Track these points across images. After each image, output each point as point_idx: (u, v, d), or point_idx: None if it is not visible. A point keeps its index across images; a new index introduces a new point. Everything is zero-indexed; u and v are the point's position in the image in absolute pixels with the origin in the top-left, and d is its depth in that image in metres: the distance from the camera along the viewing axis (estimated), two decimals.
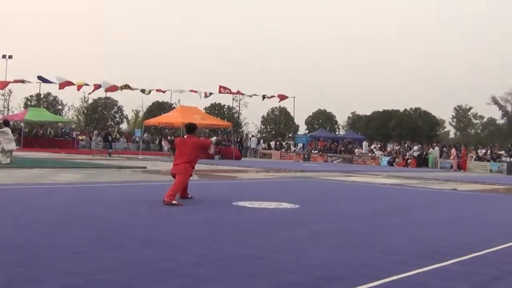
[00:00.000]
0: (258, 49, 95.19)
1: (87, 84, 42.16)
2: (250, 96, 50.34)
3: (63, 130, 41.44)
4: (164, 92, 45.36)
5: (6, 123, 17.97)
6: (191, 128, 9.30)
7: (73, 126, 49.45)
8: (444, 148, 35.25)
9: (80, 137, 41.23)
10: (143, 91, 44.45)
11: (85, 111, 61.61)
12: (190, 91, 44.46)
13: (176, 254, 4.69)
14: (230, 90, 47.03)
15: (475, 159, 32.55)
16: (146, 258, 4.50)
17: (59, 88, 41.17)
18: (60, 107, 62.13)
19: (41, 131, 39.33)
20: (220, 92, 46.41)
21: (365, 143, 39.45)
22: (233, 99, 57.75)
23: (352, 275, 4.25)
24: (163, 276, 3.97)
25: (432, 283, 4.15)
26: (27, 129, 38.48)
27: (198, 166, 21.33)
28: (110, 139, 31.53)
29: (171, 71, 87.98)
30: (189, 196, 8.94)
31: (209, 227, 6.37)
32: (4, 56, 50.64)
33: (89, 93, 48.44)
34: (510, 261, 5.10)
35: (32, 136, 37.61)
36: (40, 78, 41.50)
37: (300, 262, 4.61)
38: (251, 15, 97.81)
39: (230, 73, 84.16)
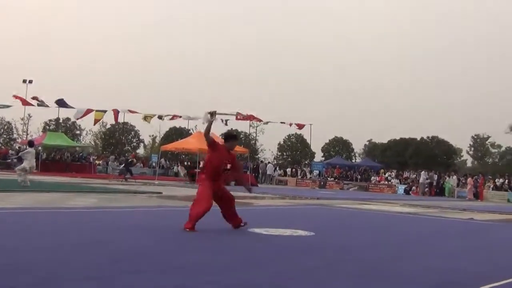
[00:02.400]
0: (274, 74, 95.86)
1: (105, 111, 42.55)
2: (266, 123, 50.19)
3: (81, 154, 41.89)
4: (179, 117, 45.23)
5: (30, 144, 19.45)
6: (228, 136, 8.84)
7: (91, 151, 49.98)
8: (462, 178, 34.90)
9: (97, 162, 41.60)
10: (160, 117, 44.59)
11: (103, 135, 62.30)
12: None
13: (189, 280, 4.69)
14: (246, 116, 46.86)
15: (492, 189, 32.15)
16: (159, 283, 4.51)
17: (77, 118, 41.66)
18: (78, 131, 62.99)
19: (58, 156, 39.81)
20: (237, 119, 46.35)
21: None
22: (250, 125, 57.98)
23: None
24: None
25: None
26: (45, 153, 38.96)
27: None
28: (130, 166, 31.74)
29: (188, 97, 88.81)
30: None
31: (224, 254, 6.37)
32: (24, 81, 51.66)
33: (112, 124, 48.96)
34: None
35: (50, 160, 38.06)
36: (58, 102, 41.96)
37: None
38: (267, 41, 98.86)
39: (248, 99, 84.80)
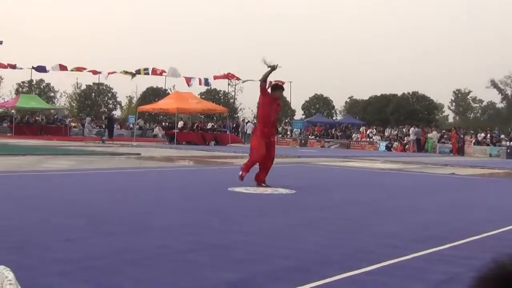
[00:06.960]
0: (254, 32, 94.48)
1: (84, 68, 41.98)
2: (243, 81, 49.71)
3: (56, 117, 41.16)
4: (160, 73, 44.32)
5: None
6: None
7: (66, 113, 49.11)
8: (443, 132, 35.09)
9: (72, 124, 40.96)
10: (138, 72, 43.66)
11: (78, 97, 61.10)
12: (184, 77, 43.73)
13: (168, 241, 4.61)
14: (225, 75, 46.50)
15: (474, 144, 32.41)
16: (138, 244, 4.42)
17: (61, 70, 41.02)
18: (52, 94, 61.70)
19: (33, 118, 39.08)
20: (215, 78, 45.99)
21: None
22: (229, 84, 57.28)
23: (347, 260, 4.19)
24: (155, 262, 3.89)
25: (427, 267, 4.10)
26: (18, 116, 38.17)
27: (193, 152, 21.25)
28: (112, 123, 31.31)
29: (165, 53, 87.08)
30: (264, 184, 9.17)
31: (203, 213, 6.30)
32: None
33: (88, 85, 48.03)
34: (507, 245, 5.05)
35: (24, 123, 37.36)
36: (35, 68, 41.29)
37: (295, 248, 4.55)
38: None
39: (225, 56, 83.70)
